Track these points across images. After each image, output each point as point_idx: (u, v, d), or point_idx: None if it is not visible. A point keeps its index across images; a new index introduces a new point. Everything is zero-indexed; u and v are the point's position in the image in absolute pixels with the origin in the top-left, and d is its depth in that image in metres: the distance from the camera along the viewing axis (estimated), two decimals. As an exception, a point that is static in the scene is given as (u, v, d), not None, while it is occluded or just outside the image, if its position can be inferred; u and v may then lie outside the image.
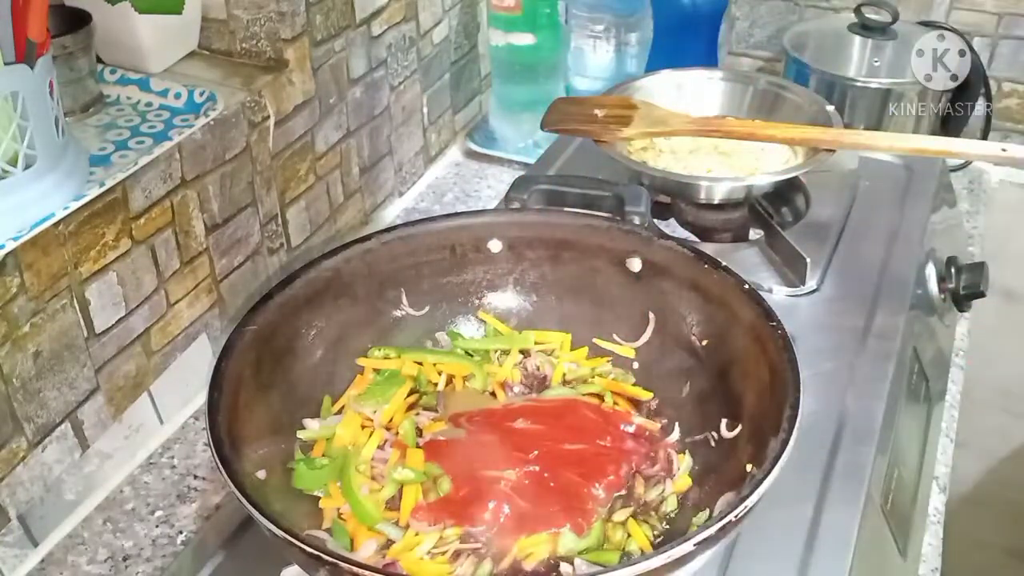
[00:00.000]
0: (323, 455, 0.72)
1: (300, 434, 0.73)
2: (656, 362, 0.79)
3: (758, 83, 1.09)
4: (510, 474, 0.69)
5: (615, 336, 0.81)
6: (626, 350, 0.80)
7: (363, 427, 0.74)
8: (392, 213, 1.16)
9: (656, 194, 0.97)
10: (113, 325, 0.78)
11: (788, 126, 0.97)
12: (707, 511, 0.66)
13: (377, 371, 0.78)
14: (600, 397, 0.77)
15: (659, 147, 1.06)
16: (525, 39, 1.18)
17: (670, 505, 0.69)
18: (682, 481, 0.70)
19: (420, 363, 0.79)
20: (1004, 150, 0.86)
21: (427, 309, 0.81)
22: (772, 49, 1.38)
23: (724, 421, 0.71)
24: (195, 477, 0.83)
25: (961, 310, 1.03)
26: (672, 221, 1.00)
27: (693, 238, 0.98)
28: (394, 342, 0.80)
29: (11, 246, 0.66)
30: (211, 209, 0.85)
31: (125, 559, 0.76)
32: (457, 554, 0.65)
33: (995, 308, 1.15)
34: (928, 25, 1.21)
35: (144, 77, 0.87)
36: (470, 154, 1.27)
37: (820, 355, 0.83)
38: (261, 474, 0.66)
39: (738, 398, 0.71)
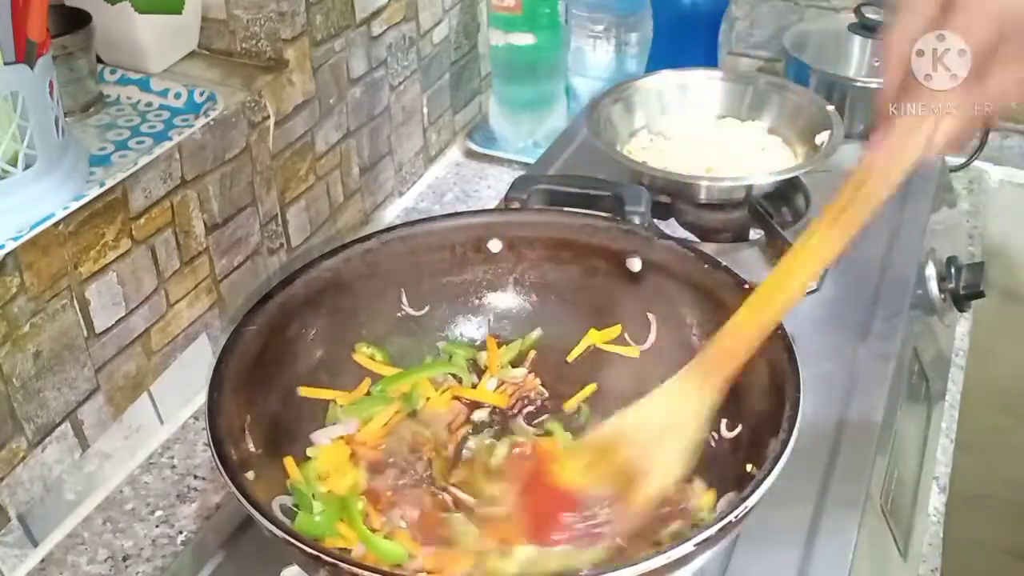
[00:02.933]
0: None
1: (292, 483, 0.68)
2: (656, 362, 0.79)
3: (758, 83, 1.09)
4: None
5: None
6: (631, 351, 0.80)
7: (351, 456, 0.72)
8: (392, 213, 1.16)
9: (656, 194, 0.97)
10: (113, 325, 0.78)
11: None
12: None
13: (373, 381, 0.77)
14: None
15: (659, 146, 1.06)
16: (525, 39, 1.17)
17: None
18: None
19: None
20: None
21: (427, 309, 0.81)
22: (772, 49, 1.38)
23: (724, 421, 0.71)
24: (195, 477, 0.83)
25: (961, 310, 1.03)
26: (672, 221, 1.00)
27: (693, 238, 0.97)
28: (394, 342, 0.80)
29: (11, 246, 0.66)
30: (211, 209, 0.85)
31: (125, 559, 0.76)
32: None
33: (995, 308, 1.15)
34: (928, 25, 1.21)
35: (144, 77, 0.87)
36: (470, 154, 1.27)
37: (820, 355, 0.83)
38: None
39: (738, 398, 0.70)
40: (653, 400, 0.64)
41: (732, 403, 0.71)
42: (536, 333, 0.82)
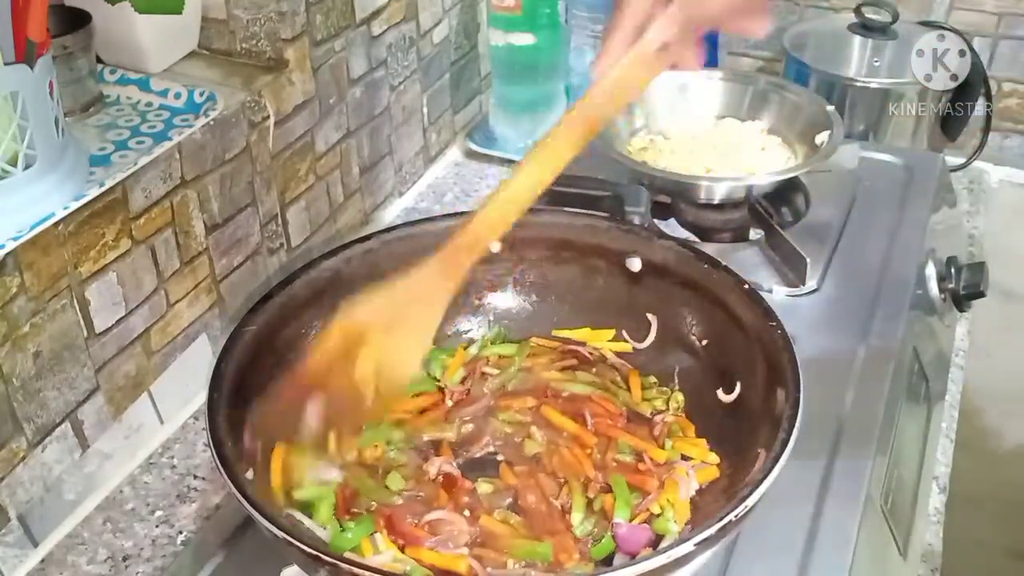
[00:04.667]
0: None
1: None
2: (656, 362, 0.79)
3: (758, 83, 1.09)
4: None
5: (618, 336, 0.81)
6: (626, 348, 0.80)
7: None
8: (392, 213, 1.16)
9: (656, 194, 0.98)
10: (113, 325, 0.78)
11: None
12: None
13: None
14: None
15: (659, 146, 1.06)
16: (525, 39, 1.17)
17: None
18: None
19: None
20: None
21: (427, 309, 0.81)
22: (772, 49, 1.39)
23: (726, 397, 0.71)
24: (195, 477, 0.83)
25: (961, 310, 1.03)
26: (672, 221, 1.00)
27: (693, 238, 0.97)
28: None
29: (11, 246, 0.66)
30: (211, 209, 0.85)
31: (125, 559, 0.76)
32: None
33: (995, 308, 1.15)
34: (928, 25, 1.21)
35: (144, 77, 0.87)
36: (470, 154, 1.27)
37: (820, 355, 0.83)
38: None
39: (739, 397, 0.71)
40: (405, 282, 0.66)
41: (733, 402, 0.71)
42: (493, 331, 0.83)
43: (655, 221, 0.97)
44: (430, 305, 0.66)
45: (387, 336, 0.65)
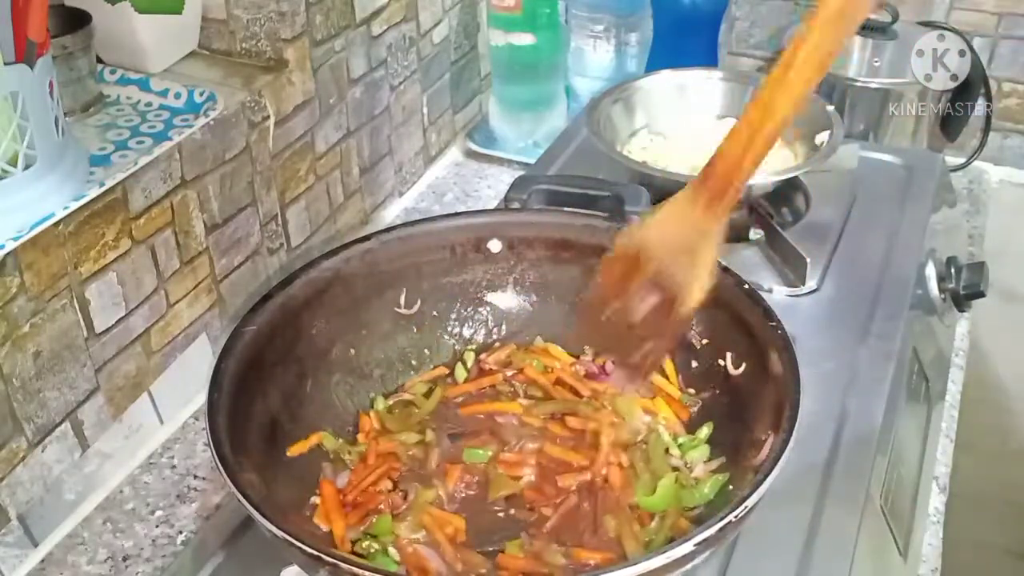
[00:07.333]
0: None
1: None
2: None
3: (758, 83, 1.08)
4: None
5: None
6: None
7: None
8: (392, 213, 1.16)
9: (656, 194, 0.97)
10: (113, 325, 0.78)
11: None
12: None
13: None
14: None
15: (659, 146, 1.06)
16: (525, 39, 1.17)
17: None
18: None
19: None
20: None
21: (427, 309, 0.81)
22: (772, 49, 1.38)
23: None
24: (195, 477, 0.83)
25: (961, 310, 1.03)
26: (672, 221, 1.00)
27: (693, 238, 0.97)
28: (394, 342, 0.80)
29: (11, 246, 0.66)
30: (211, 209, 0.85)
31: (125, 559, 0.76)
32: None
33: (995, 308, 1.15)
34: (928, 25, 1.21)
35: (144, 77, 0.87)
36: (470, 154, 1.27)
37: (820, 355, 0.83)
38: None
39: (738, 398, 0.71)
40: (663, 216, 0.63)
41: (732, 402, 0.71)
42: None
43: (655, 221, 0.97)
44: (703, 239, 0.61)
45: (667, 266, 0.62)
